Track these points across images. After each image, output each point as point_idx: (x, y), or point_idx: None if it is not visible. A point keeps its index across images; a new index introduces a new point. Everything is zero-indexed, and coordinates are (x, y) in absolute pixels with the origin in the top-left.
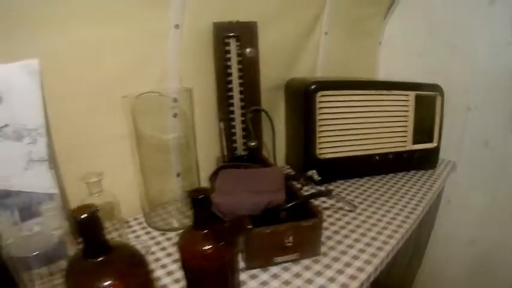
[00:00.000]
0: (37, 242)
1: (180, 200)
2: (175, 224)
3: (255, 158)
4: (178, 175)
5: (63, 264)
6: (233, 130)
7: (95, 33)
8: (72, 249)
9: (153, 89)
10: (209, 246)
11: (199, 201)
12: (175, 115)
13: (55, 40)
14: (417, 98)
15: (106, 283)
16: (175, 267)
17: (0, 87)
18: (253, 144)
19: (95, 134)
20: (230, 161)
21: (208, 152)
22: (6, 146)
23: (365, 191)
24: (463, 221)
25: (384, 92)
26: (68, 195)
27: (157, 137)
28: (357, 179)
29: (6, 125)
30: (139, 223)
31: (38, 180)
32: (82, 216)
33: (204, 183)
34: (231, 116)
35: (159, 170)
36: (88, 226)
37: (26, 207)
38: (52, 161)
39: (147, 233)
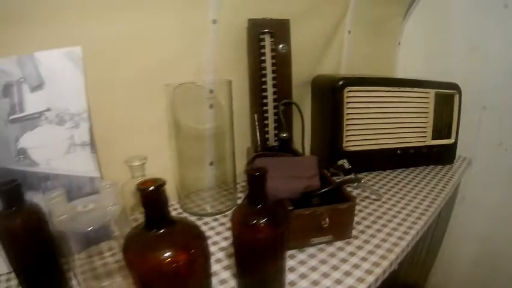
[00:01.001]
0: (91, 219)
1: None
2: (209, 210)
3: (285, 149)
4: (211, 164)
5: (106, 245)
6: (266, 122)
7: (137, 24)
8: (125, 226)
9: (190, 80)
10: (263, 221)
11: (256, 178)
12: (211, 106)
13: (99, 28)
14: (436, 95)
15: (168, 254)
16: (215, 248)
17: (43, 72)
18: (284, 135)
19: (134, 121)
20: (263, 151)
21: (238, 142)
22: (48, 129)
23: (388, 182)
24: (476, 218)
25: (407, 89)
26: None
27: (193, 127)
28: (379, 171)
29: (48, 109)
30: (175, 209)
31: (79, 164)
32: (150, 188)
33: (239, 171)
34: (264, 108)
35: (194, 158)
36: (154, 198)
37: (66, 191)
38: (94, 145)
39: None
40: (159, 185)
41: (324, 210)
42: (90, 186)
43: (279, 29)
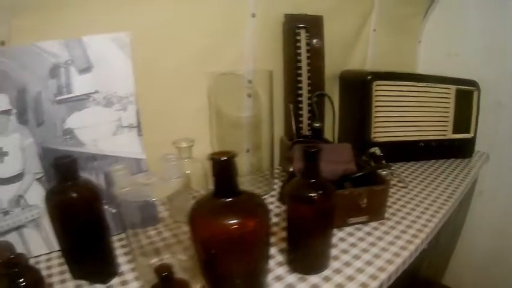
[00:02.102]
0: (155, 191)
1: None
2: None
3: (318, 138)
4: (247, 151)
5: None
6: (300, 112)
7: (182, 13)
8: (188, 199)
9: (230, 69)
10: (315, 194)
11: (311, 154)
12: (249, 95)
13: (146, 16)
14: (457, 91)
15: (236, 220)
16: None
17: (91, 56)
18: (317, 125)
19: (177, 106)
20: (297, 139)
21: (269, 131)
22: (96, 111)
23: (412, 172)
24: (493, 213)
25: (430, 84)
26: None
27: (231, 114)
28: (403, 162)
29: (96, 91)
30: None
31: (126, 146)
32: (223, 158)
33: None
34: (299, 99)
35: (231, 145)
36: (225, 168)
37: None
38: (140, 128)
39: None
40: (232, 155)
41: (362, 191)
42: (136, 168)
43: (313, 24)
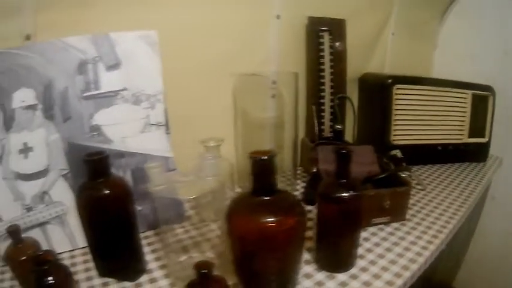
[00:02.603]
0: (191, 188)
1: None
2: None
3: (339, 140)
4: None
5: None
6: (322, 114)
7: (210, 14)
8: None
9: (254, 70)
10: (346, 193)
11: (343, 155)
12: (273, 96)
13: (174, 15)
14: (473, 96)
15: (275, 218)
16: None
17: (120, 53)
18: (339, 127)
19: (202, 106)
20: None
21: (293, 132)
22: (124, 108)
23: (430, 175)
24: (505, 218)
25: (448, 89)
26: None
27: (255, 115)
28: (421, 165)
29: (124, 89)
30: (237, 192)
31: (154, 144)
32: (263, 157)
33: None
34: (321, 101)
35: (255, 145)
36: (264, 167)
37: (139, 169)
38: (168, 126)
39: None
40: (272, 155)
41: (386, 193)
42: (164, 165)
43: (336, 28)
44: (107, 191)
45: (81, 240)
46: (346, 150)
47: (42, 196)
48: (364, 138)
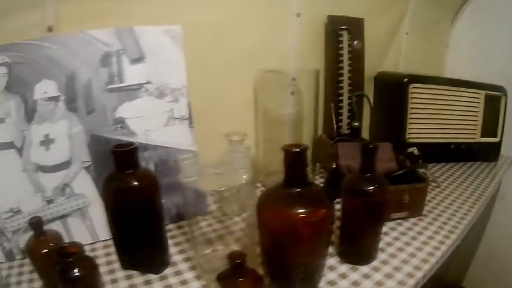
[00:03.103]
0: (223, 180)
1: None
2: None
3: (356, 137)
4: None
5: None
6: (340, 111)
7: (231, 11)
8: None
9: (274, 67)
10: (372, 187)
11: (370, 150)
12: (292, 93)
13: (197, 11)
14: (486, 96)
15: (307, 210)
16: None
17: (144, 46)
18: (356, 124)
19: (224, 101)
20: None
21: (309, 128)
22: (148, 101)
23: (444, 173)
24: None
25: (461, 89)
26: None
27: (275, 111)
28: (434, 163)
29: (148, 82)
30: (257, 187)
31: (177, 137)
32: (296, 150)
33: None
34: (340, 98)
35: (274, 141)
36: (297, 159)
37: (162, 162)
38: (191, 120)
39: None
40: (304, 148)
41: (405, 188)
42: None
43: (355, 27)
44: (136, 183)
45: (102, 233)
46: (372, 146)
47: (63, 188)
48: (379, 136)
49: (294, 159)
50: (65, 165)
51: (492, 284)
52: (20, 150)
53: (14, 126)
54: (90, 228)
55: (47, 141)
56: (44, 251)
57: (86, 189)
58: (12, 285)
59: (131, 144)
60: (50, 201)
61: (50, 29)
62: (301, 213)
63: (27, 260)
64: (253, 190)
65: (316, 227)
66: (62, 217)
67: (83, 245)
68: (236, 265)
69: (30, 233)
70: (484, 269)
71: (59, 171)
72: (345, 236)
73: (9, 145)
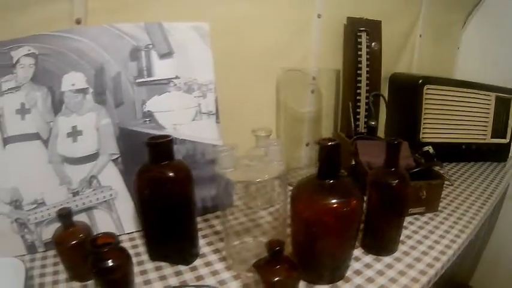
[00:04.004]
0: (258, 172)
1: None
2: None
3: (372, 135)
4: (307, 145)
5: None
6: (358, 110)
7: (256, 10)
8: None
9: (295, 66)
10: (396, 181)
11: (395, 146)
12: (312, 91)
13: (223, 9)
14: (497, 98)
15: (341, 200)
16: None
17: (172, 42)
18: (373, 123)
19: (248, 97)
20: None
21: (326, 126)
22: (176, 96)
23: (455, 172)
24: None
25: (473, 91)
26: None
27: (295, 108)
28: (446, 162)
29: (177, 77)
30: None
31: (204, 132)
32: (330, 143)
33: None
34: (358, 97)
35: (294, 138)
36: (331, 152)
37: (190, 155)
38: (218, 115)
39: None
40: (338, 142)
41: (423, 184)
42: (213, 154)
43: (373, 29)
44: (171, 174)
45: (128, 225)
46: (397, 141)
47: (90, 180)
48: (393, 135)
49: (328, 152)
50: (92, 157)
51: (499, 284)
52: (45, 142)
53: (40, 117)
54: (116, 220)
55: (74, 133)
56: (73, 242)
57: (113, 181)
58: (35, 277)
59: (166, 136)
60: (75, 193)
61: (78, 22)
62: (334, 203)
63: (50, 253)
64: (286, 182)
65: (348, 217)
66: (88, 209)
67: (118, 235)
68: (275, 252)
69: (54, 225)
70: (492, 269)
71: (86, 163)
72: (369, 228)
73: (34, 136)
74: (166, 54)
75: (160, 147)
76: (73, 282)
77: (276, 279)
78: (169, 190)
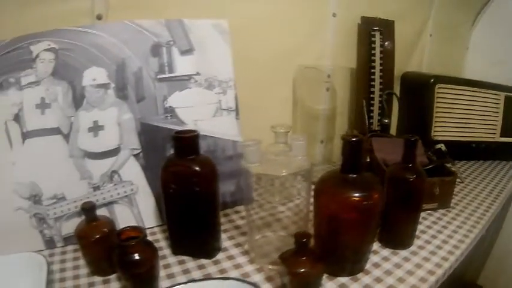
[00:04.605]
0: (284, 166)
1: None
2: None
3: (386, 133)
4: (322, 142)
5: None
6: (371, 108)
7: (273, 9)
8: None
9: (311, 64)
10: (413, 176)
11: (412, 143)
12: (327, 89)
13: (242, 7)
14: (506, 98)
15: (364, 193)
16: None
17: (193, 39)
18: (386, 121)
19: (264, 94)
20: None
21: (339, 124)
22: (197, 92)
23: (465, 170)
24: None
25: (483, 90)
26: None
27: (310, 106)
28: (457, 161)
29: (198, 73)
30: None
31: (225, 128)
32: (354, 139)
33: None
34: (371, 96)
35: (308, 135)
36: (354, 148)
37: (210, 151)
38: (238, 112)
39: None
40: (361, 138)
41: (436, 180)
42: (233, 149)
43: (386, 28)
44: (197, 168)
45: (148, 220)
46: (415, 138)
47: (111, 175)
48: (405, 133)
49: (352, 147)
50: (113, 152)
51: (507, 283)
52: (66, 136)
53: (60, 112)
54: (136, 215)
55: (95, 128)
56: (96, 236)
57: (134, 176)
58: (55, 272)
59: (192, 131)
60: (96, 188)
61: (98, 17)
62: (357, 197)
63: (69, 247)
64: (311, 176)
65: (370, 210)
66: (108, 204)
67: (145, 228)
68: (302, 244)
69: (74, 220)
70: (500, 268)
71: (107, 158)
72: (387, 223)
73: (55, 131)
74: (187, 51)
75: (187, 142)
76: (94, 277)
77: (301, 270)
78: (195, 184)
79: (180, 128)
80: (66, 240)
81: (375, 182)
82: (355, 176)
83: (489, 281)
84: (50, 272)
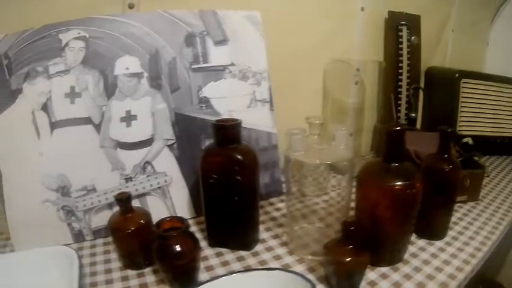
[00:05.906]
0: (328, 155)
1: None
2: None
3: (413, 127)
4: (351, 135)
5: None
6: (399, 102)
7: (305, 4)
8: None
9: (340, 57)
10: (449, 166)
11: (448, 134)
12: (356, 82)
13: (275, 2)
14: None
15: (407, 182)
16: None
17: (226, 30)
18: (413, 115)
19: (295, 87)
20: None
21: (371, 118)
22: (232, 83)
23: (489, 164)
24: None
25: (506, 85)
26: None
27: (339, 99)
28: (481, 155)
29: (232, 64)
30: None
31: (259, 119)
32: (396, 128)
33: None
34: (399, 90)
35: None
36: (397, 137)
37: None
38: (272, 103)
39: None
40: (404, 128)
41: (466, 173)
42: (267, 141)
43: (413, 23)
44: (240, 157)
45: (182, 212)
46: (451, 130)
47: (144, 166)
48: (430, 127)
49: (394, 137)
50: (147, 142)
51: None
52: (97, 126)
53: (91, 101)
54: (170, 207)
55: (128, 118)
56: (132, 228)
57: (168, 167)
58: (85, 266)
59: (234, 119)
60: (128, 179)
61: (130, 6)
62: (400, 185)
63: (99, 241)
64: (353, 165)
65: (412, 199)
66: (141, 196)
67: (187, 219)
68: (349, 232)
69: (104, 213)
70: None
71: (140, 149)
72: (422, 213)
73: (86, 120)
74: (221, 41)
75: (229, 130)
76: (127, 271)
77: (347, 259)
78: (237, 173)
79: (215, 118)
80: (96, 233)
81: (416, 171)
82: (397, 164)
83: (508, 279)
84: (80, 266)
